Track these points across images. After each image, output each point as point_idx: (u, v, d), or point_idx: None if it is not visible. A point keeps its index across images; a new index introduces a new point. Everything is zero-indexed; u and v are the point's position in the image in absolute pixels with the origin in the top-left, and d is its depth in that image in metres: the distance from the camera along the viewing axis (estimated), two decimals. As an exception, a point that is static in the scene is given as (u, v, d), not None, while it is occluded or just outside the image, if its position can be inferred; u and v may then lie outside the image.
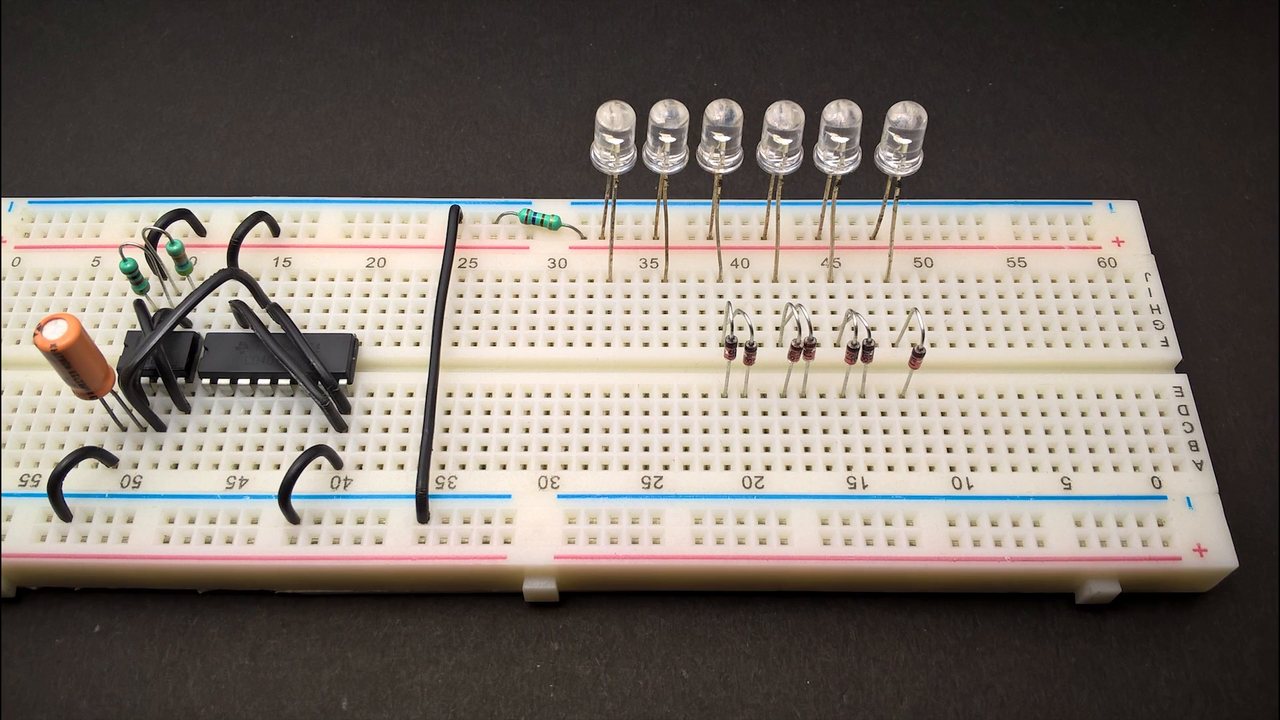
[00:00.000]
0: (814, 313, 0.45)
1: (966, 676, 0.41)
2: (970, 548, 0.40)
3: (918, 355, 0.41)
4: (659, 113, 0.41)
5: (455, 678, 0.41)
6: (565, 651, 0.41)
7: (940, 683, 0.41)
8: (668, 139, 0.41)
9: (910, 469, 0.42)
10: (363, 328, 0.45)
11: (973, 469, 0.42)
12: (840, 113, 0.40)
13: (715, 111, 0.41)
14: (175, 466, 0.42)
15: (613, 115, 0.41)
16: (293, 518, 0.40)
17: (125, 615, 0.42)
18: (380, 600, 0.42)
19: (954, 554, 0.40)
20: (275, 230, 0.47)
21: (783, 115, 0.40)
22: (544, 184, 0.53)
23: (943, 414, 0.43)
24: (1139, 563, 0.40)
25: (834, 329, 0.45)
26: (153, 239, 0.44)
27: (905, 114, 0.40)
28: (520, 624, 0.42)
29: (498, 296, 0.46)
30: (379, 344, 0.45)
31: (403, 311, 0.46)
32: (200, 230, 0.47)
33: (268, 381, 0.43)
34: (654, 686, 0.41)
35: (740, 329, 0.43)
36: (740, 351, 0.41)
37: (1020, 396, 0.44)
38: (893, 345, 0.45)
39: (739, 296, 0.46)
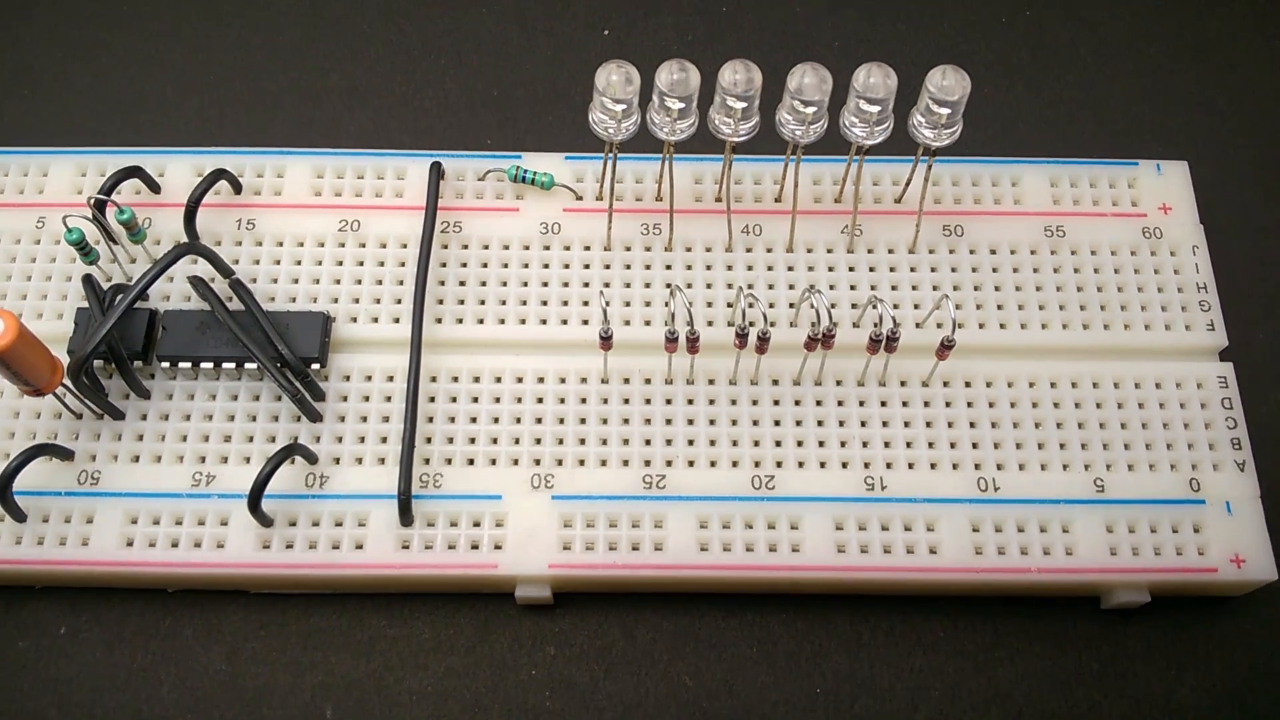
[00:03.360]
0: (831, 287, 0.42)
1: (984, 684, 0.39)
2: (994, 556, 0.38)
3: (946, 347, 0.38)
4: (666, 75, 0.36)
5: (445, 684, 0.39)
6: (562, 656, 0.39)
7: (956, 691, 0.39)
8: (675, 104, 0.36)
9: (932, 467, 0.39)
10: (336, 301, 0.41)
11: (999, 468, 0.39)
12: (874, 78, 0.35)
13: (731, 74, 0.36)
14: (136, 459, 0.39)
15: (612, 79, 0.36)
16: (265, 521, 0.37)
17: (92, 615, 0.39)
18: (364, 600, 0.40)
19: (976, 564, 0.37)
20: (237, 188, 0.43)
21: (807, 81, 0.35)
22: (534, 126, 0.48)
23: (969, 404, 0.40)
24: (1171, 574, 0.37)
25: (853, 306, 0.41)
26: (100, 207, 0.39)
27: (948, 80, 0.35)
28: (514, 627, 0.39)
29: (484, 266, 0.42)
30: (354, 320, 0.41)
31: (380, 283, 0.42)
32: (154, 187, 0.43)
33: (233, 365, 0.39)
34: (656, 694, 0.39)
35: (753, 323, 0.39)
36: (752, 338, 0.38)
37: (1053, 385, 0.40)
38: (917, 325, 0.41)
39: (750, 269, 0.42)
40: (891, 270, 0.42)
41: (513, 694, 0.38)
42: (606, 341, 0.37)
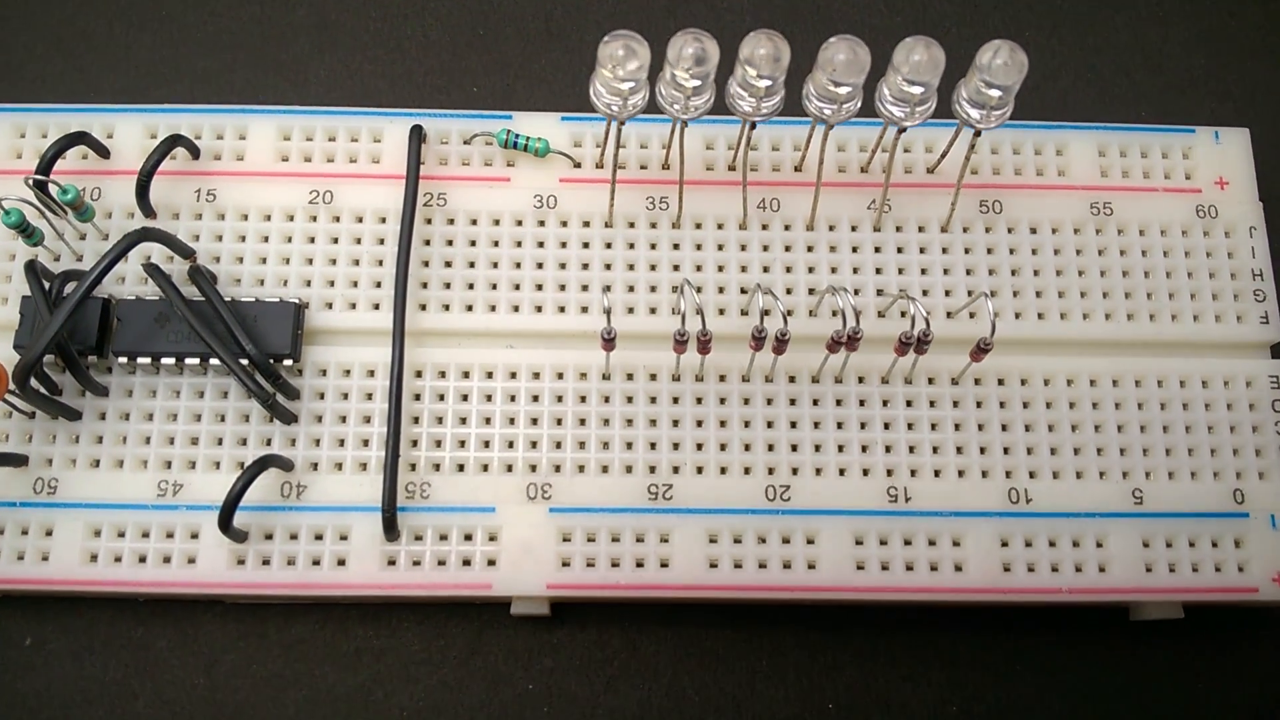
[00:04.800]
0: (855, 271, 0.38)
1: (1004, 698, 0.37)
2: (1024, 575, 0.35)
3: (982, 350, 0.34)
4: (678, 50, 0.31)
5: (437, 699, 0.37)
6: (560, 668, 0.37)
7: (975, 706, 0.37)
8: (690, 82, 0.32)
9: (960, 475, 0.36)
10: (309, 284, 0.37)
11: (1032, 476, 0.36)
12: (918, 56, 0.31)
13: (754, 48, 0.31)
14: (96, 465, 0.36)
15: (618, 53, 0.31)
16: (238, 538, 0.34)
17: (59, 625, 0.37)
18: (348, 609, 0.37)
19: (1004, 583, 0.35)
20: (194, 153, 0.38)
21: (841, 59, 0.31)
22: (526, 69, 0.43)
23: (1001, 405, 0.37)
24: (1208, 594, 0.35)
25: (879, 292, 0.38)
26: (41, 186, 0.35)
27: (1000, 59, 0.31)
28: (509, 637, 0.37)
29: (473, 245, 0.38)
30: (329, 306, 0.37)
31: (357, 263, 0.38)
32: (103, 152, 0.38)
33: (197, 360, 0.36)
34: (659, 709, 0.37)
35: (768, 312, 0.36)
36: (769, 339, 0.34)
37: (1092, 383, 0.37)
38: (949, 315, 0.38)
39: (765, 249, 0.38)
40: (922, 251, 0.38)
41: (509, 708, 0.36)
42: (609, 343, 0.34)
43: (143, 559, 0.35)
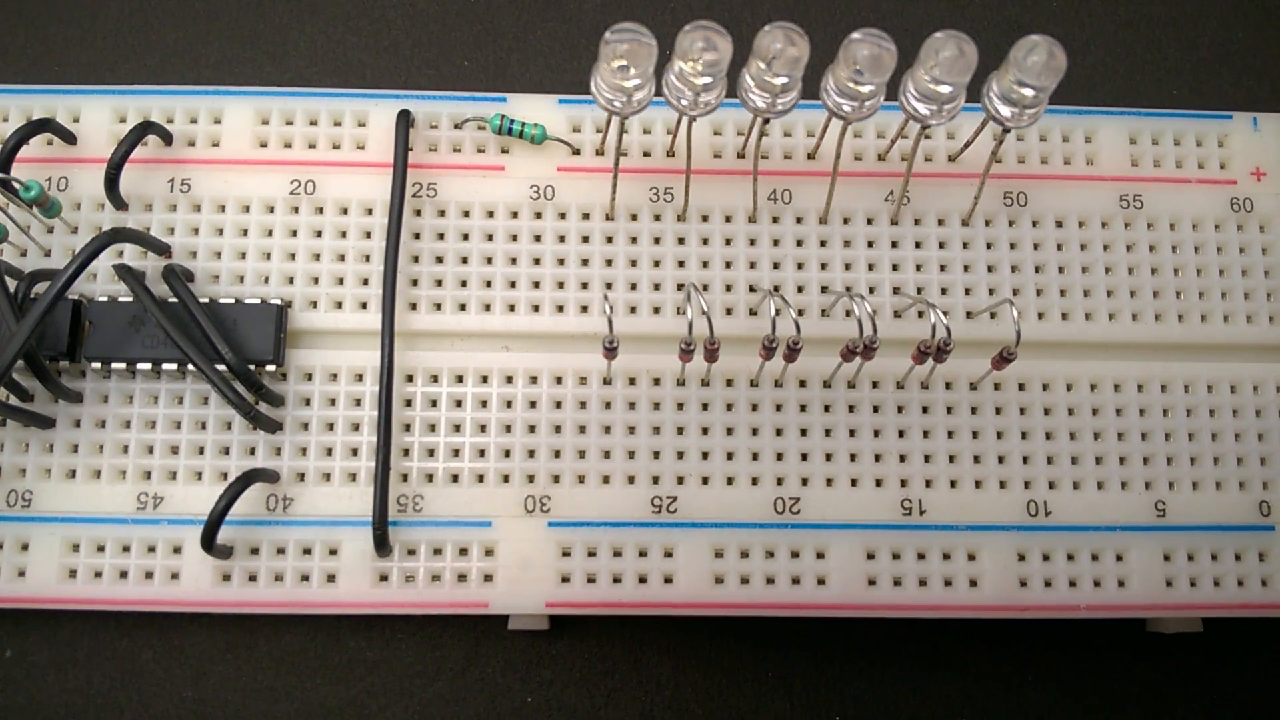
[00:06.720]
0: (870, 267, 0.36)
1: (1015, 709, 0.36)
2: (1041, 590, 0.34)
3: (1005, 359, 0.33)
4: (688, 43, 0.29)
5: (433, 712, 0.35)
6: (560, 681, 0.36)
7: (986, 717, 0.36)
8: (700, 79, 0.29)
9: (977, 485, 0.35)
10: (291, 281, 0.35)
11: (1052, 487, 0.35)
12: (948, 51, 0.28)
13: (770, 43, 0.29)
14: (72, 475, 0.34)
15: (622, 48, 0.29)
16: (222, 554, 0.33)
17: (41, 636, 0.36)
18: (340, 619, 0.36)
19: (1021, 599, 0.34)
20: (167, 139, 0.36)
21: (864, 54, 0.28)
22: (520, 42, 0.41)
23: (1022, 411, 0.35)
24: (1231, 609, 0.34)
25: (895, 290, 0.36)
26: (3, 183, 0.32)
27: (1038, 58, 0.28)
28: (506, 649, 0.36)
29: (465, 239, 0.36)
30: (314, 305, 0.35)
31: (342, 259, 0.35)
32: (69, 138, 0.36)
33: (174, 366, 0.34)
34: (661, 722, 0.36)
35: (779, 312, 0.34)
36: (781, 347, 0.32)
37: (1117, 389, 0.35)
38: (968, 315, 0.36)
39: (776, 244, 0.36)
40: (942, 247, 0.36)
41: (507, 722, 0.35)
42: (611, 352, 0.32)
43: (124, 574, 0.33)
